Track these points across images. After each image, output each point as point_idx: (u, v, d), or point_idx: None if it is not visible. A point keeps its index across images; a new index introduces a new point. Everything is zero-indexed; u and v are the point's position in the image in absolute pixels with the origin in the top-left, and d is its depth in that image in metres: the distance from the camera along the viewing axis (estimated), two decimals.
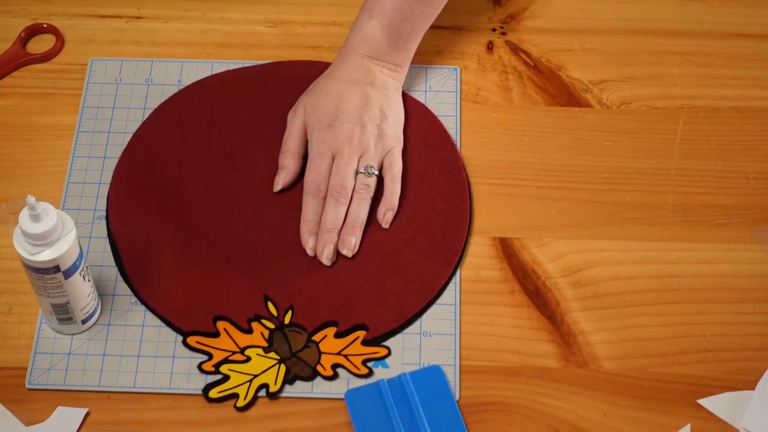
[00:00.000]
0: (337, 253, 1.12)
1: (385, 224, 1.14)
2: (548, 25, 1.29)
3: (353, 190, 1.14)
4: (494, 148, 1.20)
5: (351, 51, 1.18)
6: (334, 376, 1.06)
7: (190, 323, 1.09)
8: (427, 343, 1.09)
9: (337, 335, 1.08)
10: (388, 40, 1.17)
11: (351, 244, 1.12)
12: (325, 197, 1.14)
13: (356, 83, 1.16)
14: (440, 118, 1.21)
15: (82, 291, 1.05)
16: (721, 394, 1.06)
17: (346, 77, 1.17)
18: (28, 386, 1.06)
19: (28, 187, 1.17)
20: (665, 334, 1.09)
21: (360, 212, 1.13)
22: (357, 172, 1.14)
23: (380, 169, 1.15)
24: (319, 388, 1.06)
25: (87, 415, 1.05)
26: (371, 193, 1.14)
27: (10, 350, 1.08)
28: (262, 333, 1.08)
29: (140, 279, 1.11)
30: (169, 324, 1.09)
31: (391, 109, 1.17)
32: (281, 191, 1.16)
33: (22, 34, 1.27)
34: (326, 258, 1.12)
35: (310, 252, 1.12)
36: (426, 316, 1.10)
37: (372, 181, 1.14)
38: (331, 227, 1.12)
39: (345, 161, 1.14)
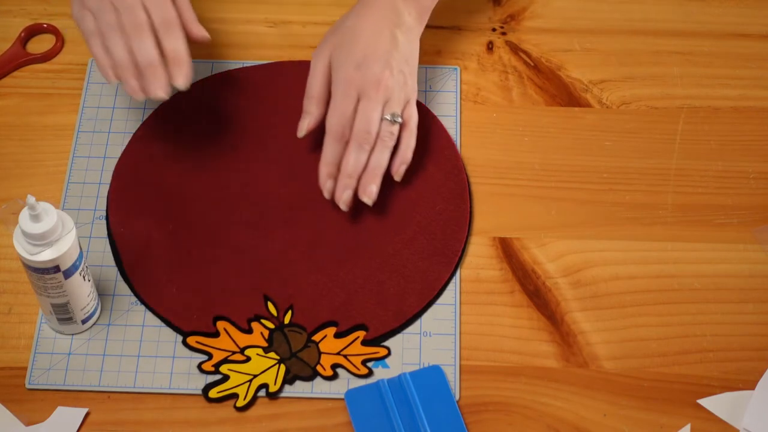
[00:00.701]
0: (336, 256, 1.12)
1: (398, 177, 1.13)
2: (548, 25, 1.29)
3: (377, 136, 1.12)
4: (494, 148, 1.20)
5: None
6: (334, 376, 1.06)
7: (190, 323, 1.09)
8: (427, 343, 1.09)
9: (337, 335, 1.08)
10: None
11: (372, 192, 1.11)
12: (347, 141, 1.11)
13: (385, 24, 1.13)
14: (440, 118, 1.21)
15: (82, 291, 1.05)
16: (721, 394, 1.06)
17: (375, 16, 1.14)
18: (28, 386, 1.06)
19: (28, 187, 1.17)
20: (665, 334, 1.09)
21: (382, 160, 1.11)
22: (382, 119, 1.12)
23: None
24: (319, 388, 1.06)
25: (87, 415, 1.05)
26: (393, 141, 1.12)
27: (10, 350, 1.08)
28: (261, 333, 1.08)
29: (140, 279, 1.11)
30: (169, 324, 1.09)
31: (413, 57, 1.15)
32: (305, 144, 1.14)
33: (22, 34, 1.27)
34: (344, 203, 1.11)
35: (326, 195, 1.11)
36: (426, 316, 1.10)
37: (396, 129, 1.12)
38: (352, 172, 1.11)
39: (372, 106, 1.11)
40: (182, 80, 1.07)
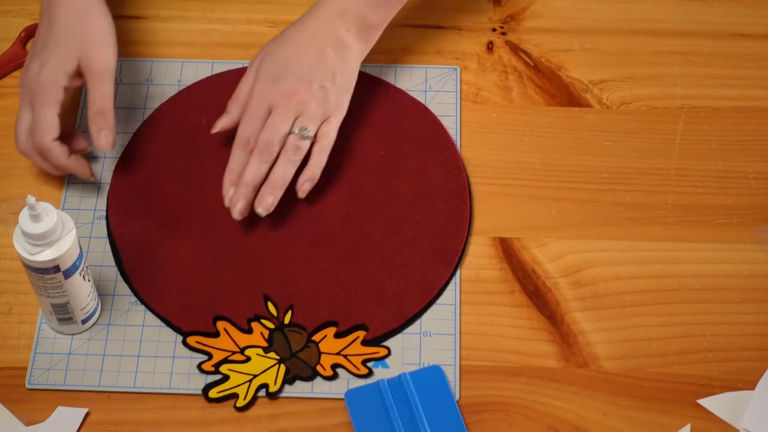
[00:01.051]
0: (336, 255, 1.12)
1: (301, 194, 1.11)
2: (548, 25, 1.29)
3: (282, 149, 1.11)
4: (494, 148, 1.20)
5: (326, 3, 1.14)
6: (334, 376, 1.06)
7: (190, 323, 1.09)
8: (427, 343, 1.09)
9: (337, 335, 1.08)
10: None
11: (267, 203, 1.10)
12: (253, 151, 1.11)
13: (317, 40, 1.12)
14: (440, 118, 1.21)
15: (82, 291, 1.05)
16: (721, 394, 1.06)
17: (310, 29, 1.13)
18: (28, 386, 1.06)
19: (28, 187, 1.17)
20: (665, 334, 1.09)
21: (284, 173, 1.10)
22: (291, 132, 1.11)
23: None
24: (319, 388, 1.06)
25: (87, 415, 1.05)
26: (300, 156, 1.11)
27: (10, 350, 1.08)
28: (261, 333, 1.08)
29: (140, 279, 1.11)
30: (169, 324, 1.09)
31: (344, 74, 1.13)
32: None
33: (22, 34, 1.27)
34: (237, 211, 1.10)
35: (227, 203, 1.10)
36: (426, 316, 1.10)
37: (304, 145, 1.11)
38: (250, 182, 1.10)
39: (279, 118, 1.10)
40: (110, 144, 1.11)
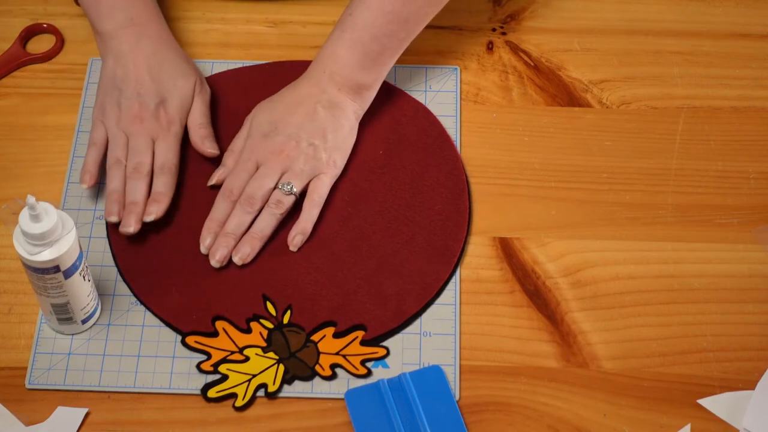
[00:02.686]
0: (335, 255, 1.12)
1: (293, 248, 1.12)
2: (548, 25, 1.29)
3: (266, 202, 1.13)
4: (494, 148, 1.20)
5: (317, 65, 1.16)
6: (333, 376, 1.06)
7: (189, 323, 1.09)
8: (427, 343, 1.09)
9: (336, 335, 1.08)
10: (354, 58, 1.15)
11: (244, 254, 1.11)
12: (236, 202, 1.13)
13: (309, 99, 1.15)
14: (440, 118, 1.21)
15: (82, 291, 1.05)
16: (721, 394, 1.06)
17: (302, 91, 1.16)
18: (28, 386, 1.06)
19: (28, 187, 1.17)
20: (665, 334, 1.09)
21: (265, 226, 1.12)
22: (276, 187, 1.13)
23: (303, 192, 1.14)
24: (318, 388, 1.06)
25: (87, 415, 1.05)
26: (282, 210, 1.12)
27: (10, 350, 1.08)
28: (260, 333, 1.08)
29: (139, 279, 1.11)
30: (168, 324, 1.09)
31: (336, 133, 1.15)
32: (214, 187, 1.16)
33: (22, 34, 1.27)
34: (216, 260, 1.11)
35: (204, 250, 1.12)
36: (426, 316, 1.10)
37: (287, 200, 1.12)
38: (231, 232, 1.12)
39: (266, 173, 1.13)
40: (153, 216, 1.12)
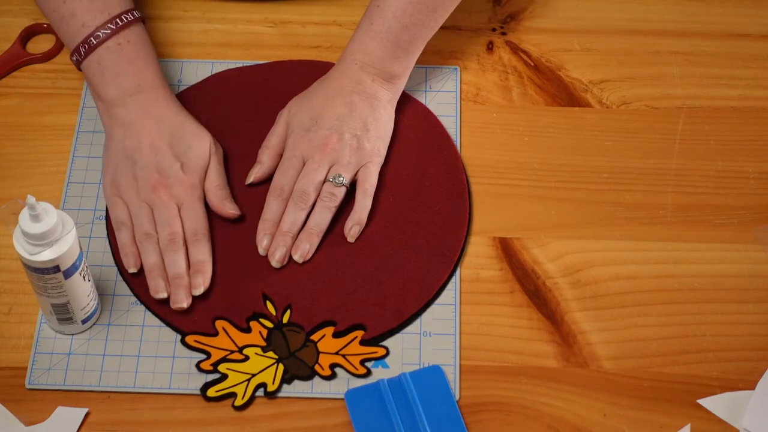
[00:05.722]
0: (335, 255, 1.12)
1: (351, 238, 1.13)
2: (548, 25, 1.29)
3: (318, 197, 1.13)
4: (494, 148, 1.20)
5: (348, 57, 1.17)
6: (332, 376, 1.06)
7: (189, 323, 1.09)
8: (427, 343, 1.09)
9: (336, 335, 1.08)
10: (385, 49, 1.16)
11: (304, 250, 1.12)
12: (288, 200, 1.13)
13: (345, 91, 1.15)
14: (440, 118, 1.21)
15: (82, 291, 1.05)
16: (721, 394, 1.06)
17: (337, 84, 1.16)
18: (28, 386, 1.06)
19: (28, 187, 1.17)
20: (665, 334, 1.09)
21: (320, 220, 1.12)
22: (325, 180, 1.13)
23: (353, 182, 1.14)
24: (318, 388, 1.06)
25: (87, 415, 1.05)
26: (336, 203, 1.13)
27: (10, 350, 1.08)
28: (260, 332, 1.08)
29: (139, 279, 1.11)
30: (168, 324, 1.09)
31: (376, 122, 1.16)
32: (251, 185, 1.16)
33: (22, 34, 1.27)
34: (276, 260, 1.11)
35: (261, 251, 1.12)
36: (426, 316, 1.10)
37: (339, 191, 1.13)
38: (287, 231, 1.12)
39: (314, 167, 1.13)
40: (202, 289, 1.10)
